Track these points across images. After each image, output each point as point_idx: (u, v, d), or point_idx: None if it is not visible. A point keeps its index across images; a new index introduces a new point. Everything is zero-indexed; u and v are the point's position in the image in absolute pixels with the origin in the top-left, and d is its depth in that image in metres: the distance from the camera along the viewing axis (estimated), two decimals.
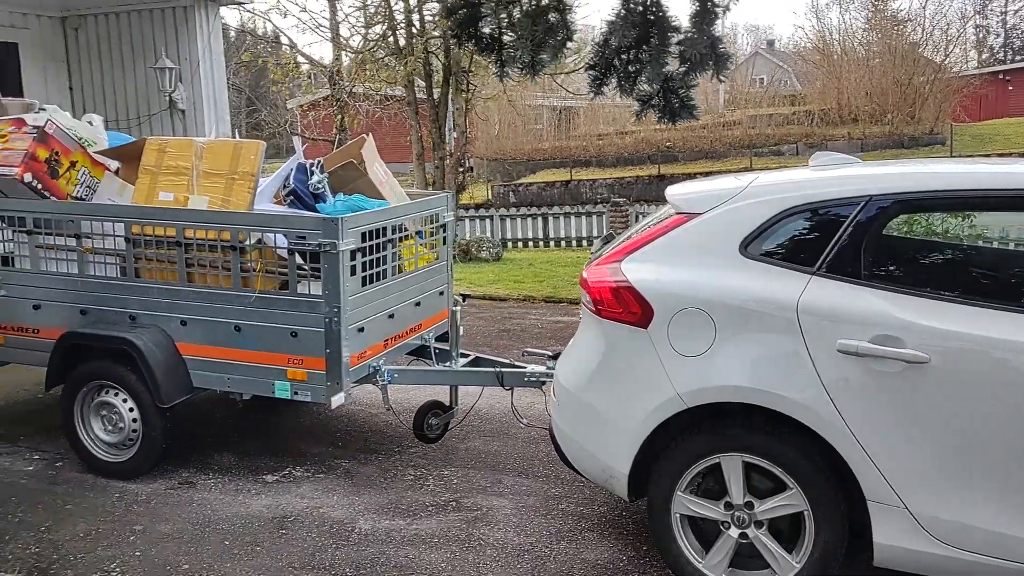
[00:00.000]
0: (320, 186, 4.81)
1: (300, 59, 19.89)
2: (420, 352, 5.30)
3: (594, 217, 18.21)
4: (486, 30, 5.01)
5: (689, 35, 4.59)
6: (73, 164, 4.93)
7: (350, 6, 18.93)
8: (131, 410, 4.64)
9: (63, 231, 4.83)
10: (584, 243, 17.52)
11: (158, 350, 4.57)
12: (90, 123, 5.27)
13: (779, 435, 3.19)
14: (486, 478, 4.66)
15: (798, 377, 3.11)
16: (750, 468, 3.26)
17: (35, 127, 4.82)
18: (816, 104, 31.70)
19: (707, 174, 22.45)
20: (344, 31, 18.91)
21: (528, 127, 32.93)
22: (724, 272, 3.31)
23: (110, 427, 4.73)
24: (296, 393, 4.48)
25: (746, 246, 3.30)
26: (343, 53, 18.71)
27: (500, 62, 5.24)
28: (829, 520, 3.14)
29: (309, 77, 21.91)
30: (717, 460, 3.30)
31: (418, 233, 5.21)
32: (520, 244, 18.35)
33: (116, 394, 4.68)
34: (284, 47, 20.31)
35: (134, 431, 4.66)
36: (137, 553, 3.89)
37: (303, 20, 26.20)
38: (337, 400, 4.44)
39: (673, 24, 4.77)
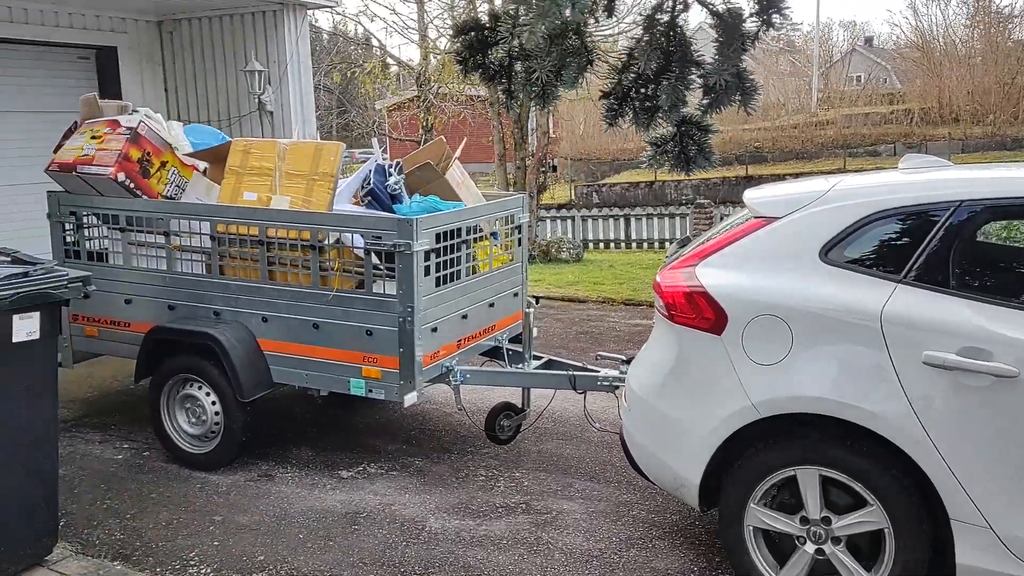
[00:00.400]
0: (397, 187, 4.86)
1: (388, 60, 20.23)
2: (493, 353, 5.31)
3: (677, 219, 17.99)
4: (494, 57, 4.85)
5: (714, 64, 4.42)
6: (164, 164, 5.11)
7: (437, 7, 19.10)
8: (214, 403, 4.78)
9: (153, 229, 5.02)
10: (667, 244, 17.30)
11: (240, 346, 4.70)
12: (171, 130, 5.43)
13: (859, 448, 3.07)
14: (557, 481, 4.63)
15: (881, 389, 2.99)
16: (828, 482, 3.15)
17: (128, 128, 5.02)
18: (916, 103, 30.53)
19: (797, 175, 21.89)
20: (432, 33, 19.16)
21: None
22: (803, 278, 3.20)
23: (194, 419, 4.89)
24: (371, 391, 4.55)
25: (827, 252, 3.19)
26: (430, 54, 18.95)
27: (508, 92, 5.03)
28: (911, 538, 3.01)
29: (397, 79, 22.25)
30: (793, 473, 3.20)
31: (493, 234, 5.22)
32: (601, 245, 18.25)
33: (200, 387, 4.83)
34: (374, 49, 20.69)
35: (216, 424, 4.81)
36: (215, 543, 4.01)
37: (391, 23, 26.61)
38: (410, 399, 4.48)
39: (695, 58, 4.58)
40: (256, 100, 7.98)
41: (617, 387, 4.61)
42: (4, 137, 7.48)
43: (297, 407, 5.91)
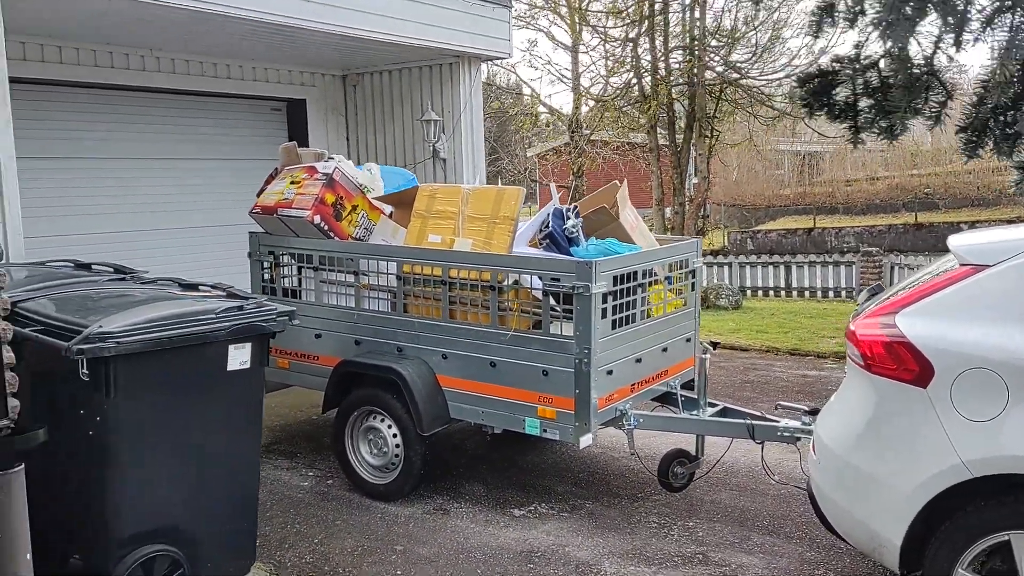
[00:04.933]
0: (574, 230, 4.94)
1: (541, 108, 20.75)
2: (665, 398, 5.26)
3: (842, 267, 17.23)
4: (839, 97, 5.05)
5: None
6: (354, 208, 5.43)
7: (592, 56, 19.55)
8: (395, 436, 4.97)
9: (344, 268, 5.31)
10: (831, 294, 16.60)
11: (421, 381, 4.87)
12: (369, 171, 5.76)
13: None
14: (734, 533, 4.50)
15: None
16: None
17: (324, 174, 5.36)
18: None
19: (973, 223, 20.60)
20: (585, 81, 19.53)
21: (769, 172, 31.93)
22: (1019, 331, 3.01)
23: (376, 450, 5.09)
24: (545, 431, 4.60)
25: None
26: (583, 102, 19.30)
27: (855, 128, 5.23)
28: None
29: (548, 125, 22.75)
30: (1006, 537, 2.99)
31: (667, 279, 5.20)
32: (760, 293, 17.73)
33: (382, 420, 5.03)
34: (527, 96, 21.29)
35: (396, 456, 4.98)
36: (398, 572, 4.14)
37: (550, 71, 27.30)
38: (585, 441, 4.50)
39: None
40: (431, 148, 8.34)
41: (799, 439, 4.46)
42: (204, 182, 8.15)
43: (468, 443, 6.05)
